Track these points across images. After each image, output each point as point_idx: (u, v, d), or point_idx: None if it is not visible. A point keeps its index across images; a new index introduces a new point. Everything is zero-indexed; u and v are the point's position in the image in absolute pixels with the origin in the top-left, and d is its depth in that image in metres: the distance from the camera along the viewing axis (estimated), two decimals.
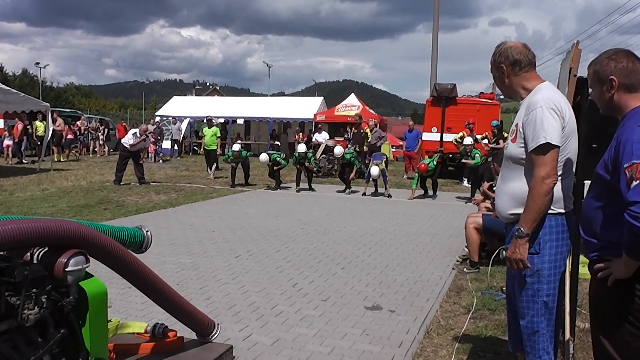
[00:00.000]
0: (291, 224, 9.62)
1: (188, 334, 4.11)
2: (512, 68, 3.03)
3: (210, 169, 17.34)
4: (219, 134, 17.79)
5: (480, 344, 4.44)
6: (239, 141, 20.55)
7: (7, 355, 2.61)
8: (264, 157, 14.77)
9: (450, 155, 17.87)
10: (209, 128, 17.83)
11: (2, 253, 2.74)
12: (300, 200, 11.49)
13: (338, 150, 14.80)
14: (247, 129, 32.06)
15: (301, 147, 15.05)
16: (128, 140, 15.07)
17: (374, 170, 13.47)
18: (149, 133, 15.13)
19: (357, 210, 11.55)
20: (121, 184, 14.76)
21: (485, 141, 16.39)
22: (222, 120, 26.91)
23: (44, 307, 2.68)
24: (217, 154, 17.54)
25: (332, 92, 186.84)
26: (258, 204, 11.98)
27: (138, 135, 15.02)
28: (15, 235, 2.58)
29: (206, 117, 19.16)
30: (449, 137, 17.70)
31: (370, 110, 27.62)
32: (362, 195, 14.06)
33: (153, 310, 4.49)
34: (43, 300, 2.68)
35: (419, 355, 4.26)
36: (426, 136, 19.26)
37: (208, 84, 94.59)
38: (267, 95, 53.90)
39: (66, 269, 2.76)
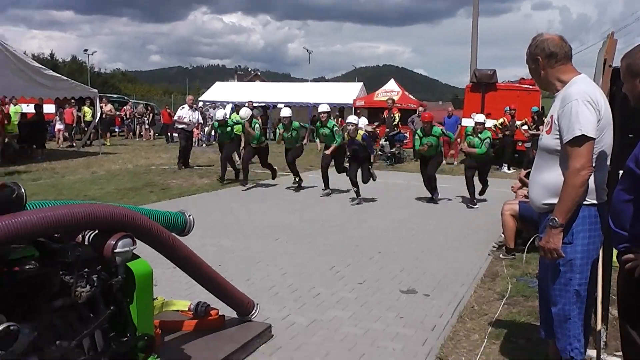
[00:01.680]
0: (329, 210, 9.77)
1: (229, 312, 4.32)
2: (548, 60, 3.07)
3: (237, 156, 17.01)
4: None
5: (513, 330, 4.51)
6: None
7: (61, 329, 2.84)
8: (244, 111, 12.12)
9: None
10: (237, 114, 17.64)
11: (56, 235, 2.96)
12: (339, 186, 11.62)
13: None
14: None
15: (285, 112, 11.65)
16: (182, 119, 15.04)
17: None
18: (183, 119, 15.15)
19: (394, 197, 11.62)
20: (187, 167, 14.95)
21: (525, 127, 16.15)
22: (262, 105, 27.11)
23: (95, 286, 2.89)
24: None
25: (372, 77, 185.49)
26: (296, 189, 12.15)
27: (188, 108, 15.17)
28: (69, 219, 2.78)
29: (238, 104, 18.88)
30: (488, 123, 17.48)
31: (410, 96, 27.46)
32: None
33: (196, 290, 4.70)
34: (94, 279, 2.89)
35: (451, 339, 4.35)
36: (466, 122, 19.05)
37: (250, 70, 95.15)
38: (307, 81, 54.03)
39: (115, 251, 2.97)
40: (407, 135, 20.14)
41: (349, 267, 6.27)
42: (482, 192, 10.65)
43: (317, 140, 12.51)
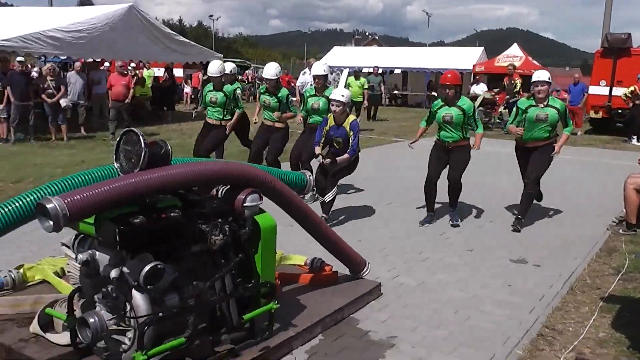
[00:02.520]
0: (443, 175, 9.78)
1: (342, 269, 4.61)
2: None
3: None
4: (366, 86, 17.04)
5: (626, 305, 4.45)
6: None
7: (198, 271, 3.24)
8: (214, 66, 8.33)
9: (620, 111, 16.69)
10: (355, 80, 17.05)
11: (194, 188, 3.35)
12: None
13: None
14: (404, 80, 32.00)
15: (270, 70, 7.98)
16: (305, 83, 14.85)
17: None
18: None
19: (510, 166, 11.35)
20: None
21: None
22: (380, 71, 27.04)
23: (226, 235, 3.26)
24: (364, 107, 16.88)
25: (494, 41, 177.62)
26: (410, 153, 12.23)
27: (308, 71, 15.04)
28: (207, 174, 3.15)
29: (356, 69, 18.35)
30: (618, 92, 16.44)
31: (534, 61, 26.19)
32: None
33: (312, 247, 5.03)
34: (226, 229, 3.25)
35: (559, 309, 4.38)
36: (593, 90, 18.00)
37: (367, 34, 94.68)
38: (425, 45, 53.00)
39: (244, 205, 3.32)
40: None
41: (459, 234, 6.36)
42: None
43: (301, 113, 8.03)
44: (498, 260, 5.50)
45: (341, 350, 3.61)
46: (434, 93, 28.12)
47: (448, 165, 6.65)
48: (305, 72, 15.86)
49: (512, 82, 17.44)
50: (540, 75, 6.64)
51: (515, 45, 26.78)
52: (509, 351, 3.69)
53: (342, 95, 6.41)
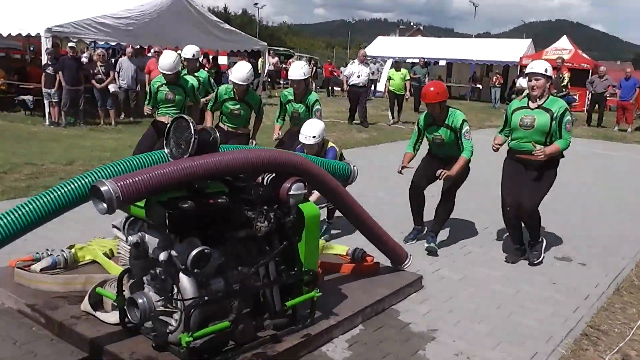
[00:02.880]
0: (487, 168, 9.65)
1: (383, 260, 4.61)
2: None
3: (396, 115, 16.28)
4: (408, 77, 16.50)
5: None
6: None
7: (243, 257, 3.29)
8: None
9: None
10: (396, 71, 16.38)
11: (241, 176, 3.40)
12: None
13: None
14: (449, 71, 31.58)
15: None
16: (352, 74, 14.74)
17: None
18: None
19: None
20: (362, 123, 14.87)
21: None
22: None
23: (271, 222, 3.30)
24: (406, 98, 16.37)
25: (542, 33, 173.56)
26: None
27: (358, 63, 14.94)
28: (253, 162, 3.18)
29: (398, 59, 17.86)
30: None
31: (583, 54, 25.54)
32: None
33: (354, 237, 5.03)
34: (271, 216, 3.29)
35: (605, 309, 4.29)
36: None
37: (412, 24, 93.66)
38: (471, 36, 52.11)
39: (289, 193, 3.35)
40: (577, 98, 18.92)
41: (503, 229, 6.26)
42: None
43: (279, 123, 6.71)
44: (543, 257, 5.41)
45: (381, 341, 3.62)
46: (478, 85, 27.73)
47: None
48: (353, 62, 15.79)
49: (560, 76, 17.03)
50: (535, 66, 4.97)
51: (564, 37, 26.18)
52: (552, 349, 3.64)
53: (313, 137, 5.18)
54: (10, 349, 3.27)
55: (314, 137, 5.16)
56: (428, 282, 4.58)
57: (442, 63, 29.45)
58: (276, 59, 25.75)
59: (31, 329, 3.51)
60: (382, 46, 30.62)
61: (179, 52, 8.65)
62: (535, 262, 5.15)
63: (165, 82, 6.55)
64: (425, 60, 21.69)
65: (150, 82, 13.32)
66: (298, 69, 6.15)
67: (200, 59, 7.17)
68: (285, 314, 3.42)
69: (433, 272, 4.84)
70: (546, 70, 4.86)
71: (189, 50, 7.74)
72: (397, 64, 17.14)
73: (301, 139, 5.22)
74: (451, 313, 4.08)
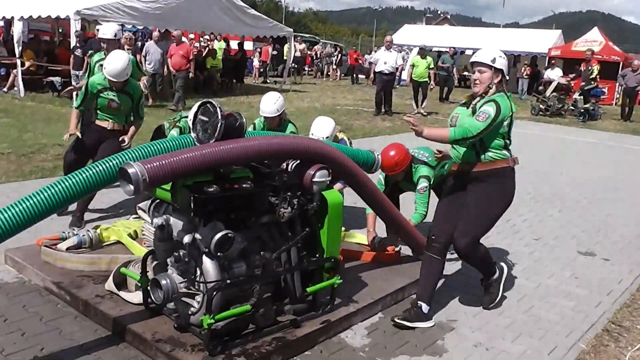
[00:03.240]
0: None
1: (404, 250, 4.61)
2: None
3: (419, 104, 15.84)
4: (432, 65, 15.80)
5: None
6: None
7: (265, 242, 3.32)
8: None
9: None
10: (422, 58, 15.68)
11: (265, 162, 3.42)
12: (523, 139, 11.23)
13: None
14: None
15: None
16: (380, 61, 14.20)
17: None
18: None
19: (584, 155, 10.99)
20: (386, 113, 14.53)
21: None
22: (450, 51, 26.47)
23: (295, 209, 3.32)
24: (430, 87, 15.79)
25: (572, 24, 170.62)
26: None
27: (384, 49, 14.46)
28: (279, 148, 3.20)
29: (425, 47, 17.05)
30: None
31: (614, 47, 25.02)
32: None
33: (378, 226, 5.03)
34: (294, 202, 3.31)
35: (628, 306, 4.25)
36: None
37: (439, 12, 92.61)
38: (499, 26, 51.39)
39: (313, 180, 3.37)
40: (605, 91, 18.58)
41: (525, 221, 6.23)
42: None
43: None
44: (565, 250, 5.37)
45: (400, 329, 3.63)
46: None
47: None
48: (377, 50, 15.54)
49: (589, 68, 16.76)
50: (480, 54, 3.77)
51: (595, 29, 25.66)
52: (572, 343, 3.62)
53: (326, 137, 4.86)
54: (36, 325, 3.35)
55: (326, 137, 4.86)
56: (448, 272, 4.56)
57: (469, 52, 29.09)
58: (303, 45, 25.64)
59: (57, 306, 3.59)
60: (409, 34, 30.32)
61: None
62: (491, 307, 4.04)
63: (109, 86, 5.07)
64: (455, 49, 21.38)
65: (171, 67, 13.48)
66: (271, 105, 5.08)
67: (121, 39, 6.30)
68: (305, 300, 3.46)
69: (454, 263, 4.82)
70: (494, 61, 3.64)
71: (109, 30, 6.48)
72: (422, 52, 16.25)
73: None
74: (472, 304, 4.07)
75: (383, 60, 14.27)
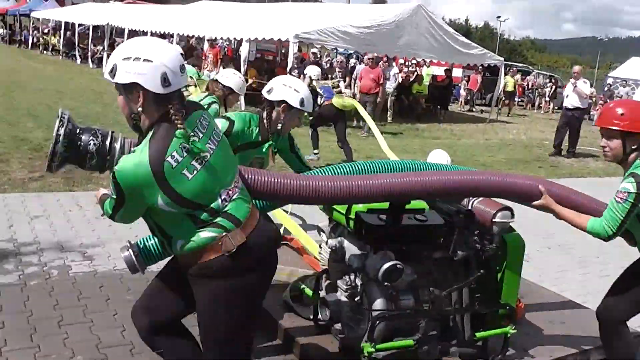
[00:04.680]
0: None
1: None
2: None
3: None
4: None
5: None
6: None
7: (436, 279, 3.22)
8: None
9: None
10: None
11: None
12: None
13: None
14: None
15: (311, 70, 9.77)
16: (576, 93, 12.24)
17: None
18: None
19: None
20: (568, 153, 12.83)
21: None
22: None
23: (471, 248, 3.18)
24: None
25: None
26: None
27: (584, 81, 12.63)
28: (468, 187, 2.99)
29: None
30: None
31: None
32: None
33: (567, 278, 4.63)
34: (471, 241, 3.17)
35: None
36: None
37: None
38: None
39: (494, 220, 3.19)
40: None
41: None
42: None
43: None
44: None
45: None
46: None
47: None
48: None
49: None
50: None
51: None
52: None
53: None
54: None
55: None
56: None
57: None
58: (517, 76, 23.94)
59: None
60: (636, 68, 27.64)
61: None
62: None
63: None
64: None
65: (360, 90, 13.64)
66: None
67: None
68: (473, 345, 3.28)
69: None
70: None
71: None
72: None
73: None
74: None
75: (566, 93, 12.93)
